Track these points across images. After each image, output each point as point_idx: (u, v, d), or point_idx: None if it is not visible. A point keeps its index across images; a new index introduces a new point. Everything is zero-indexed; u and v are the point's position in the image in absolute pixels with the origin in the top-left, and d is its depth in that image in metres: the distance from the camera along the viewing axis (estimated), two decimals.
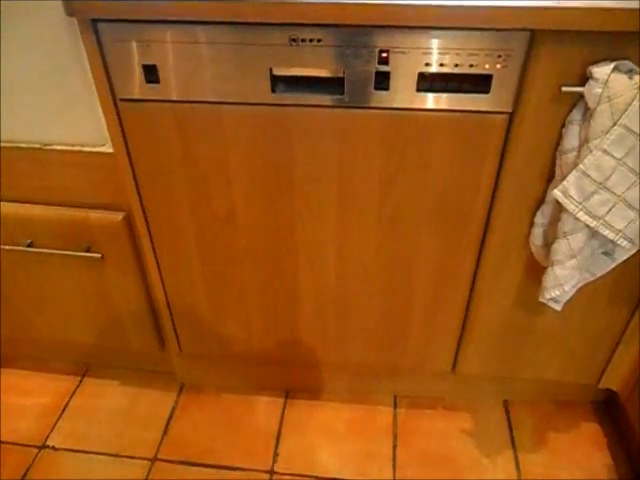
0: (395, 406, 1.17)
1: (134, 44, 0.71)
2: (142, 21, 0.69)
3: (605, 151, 0.66)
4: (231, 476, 1.05)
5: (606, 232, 0.71)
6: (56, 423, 1.15)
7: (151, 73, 0.73)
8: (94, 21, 0.70)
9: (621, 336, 0.95)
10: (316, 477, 1.05)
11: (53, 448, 1.11)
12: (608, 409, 1.15)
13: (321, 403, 1.18)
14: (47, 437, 1.12)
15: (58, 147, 0.87)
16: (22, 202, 0.94)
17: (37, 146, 0.87)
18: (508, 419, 1.14)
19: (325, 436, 1.12)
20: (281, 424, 1.14)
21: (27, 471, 1.06)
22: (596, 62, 0.65)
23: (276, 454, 1.09)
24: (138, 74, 0.74)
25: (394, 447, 1.10)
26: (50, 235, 0.95)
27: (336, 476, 1.05)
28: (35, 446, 1.11)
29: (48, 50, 0.77)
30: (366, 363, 1.08)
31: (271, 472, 1.06)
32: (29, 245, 0.96)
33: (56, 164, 0.88)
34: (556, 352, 1.00)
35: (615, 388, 1.05)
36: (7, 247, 0.96)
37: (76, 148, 0.86)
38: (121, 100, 0.77)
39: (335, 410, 1.17)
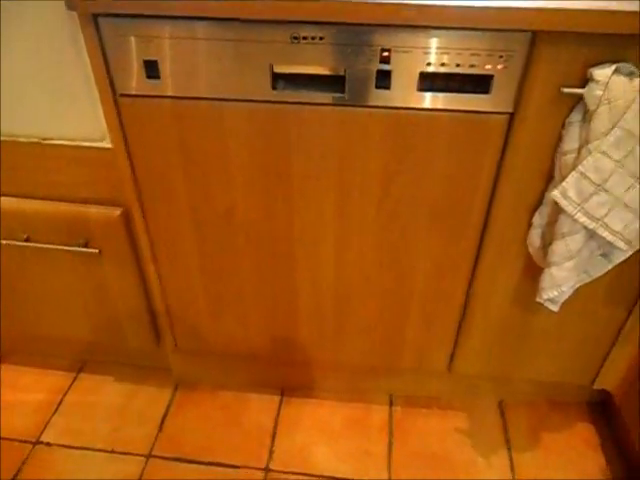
0: (391, 405, 1.18)
1: (135, 39, 0.71)
2: (143, 16, 0.69)
3: (604, 153, 0.66)
4: (226, 473, 1.05)
5: (605, 234, 0.71)
6: (51, 419, 1.15)
7: (152, 69, 0.73)
8: (95, 16, 0.70)
9: (617, 337, 0.96)
10: (311, 475, 1.05)
11: (48, 444, 1.10)
12: (603, 410, 1.15)
13: (317, 401, 1.18)
14: (42, 433, 1.12)
15: (57, 142, 0.86)
16: (20, 196, 0.93)
17: (36, 140, 0.87)
18: (503, 419, 1.15)
19: (321, 434, 1.12)
20: (277, 422, 1.14)
21: (21, 467, 1.06)
22: (597, 64, 0.65)
23: (271, 452, 1.09)
24: (139, 69, 0.74)
25: (389, 446, 1.10)
26: (47, 230, 0.95)
27: (331, 474, 1.05)
28: (30, 442, 1.10)
29: (48, 44, 0.77)
30: (363, 362, 1.08)
31: (266, 470, 1.06)
32: (26, 240, 0.96)
33: (54, 159, 0.88)
34: (552, 352, 1.01)
35: (610, 389, 1.06)
36: (4, 242, 0.96)
37: (75, 143, 0.86)
38: (121, 95, 0.77)
39: (331, 408, 1.17)
